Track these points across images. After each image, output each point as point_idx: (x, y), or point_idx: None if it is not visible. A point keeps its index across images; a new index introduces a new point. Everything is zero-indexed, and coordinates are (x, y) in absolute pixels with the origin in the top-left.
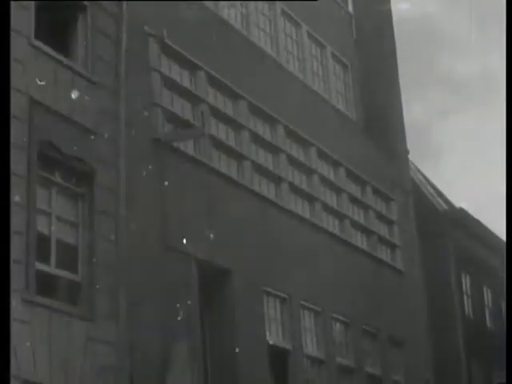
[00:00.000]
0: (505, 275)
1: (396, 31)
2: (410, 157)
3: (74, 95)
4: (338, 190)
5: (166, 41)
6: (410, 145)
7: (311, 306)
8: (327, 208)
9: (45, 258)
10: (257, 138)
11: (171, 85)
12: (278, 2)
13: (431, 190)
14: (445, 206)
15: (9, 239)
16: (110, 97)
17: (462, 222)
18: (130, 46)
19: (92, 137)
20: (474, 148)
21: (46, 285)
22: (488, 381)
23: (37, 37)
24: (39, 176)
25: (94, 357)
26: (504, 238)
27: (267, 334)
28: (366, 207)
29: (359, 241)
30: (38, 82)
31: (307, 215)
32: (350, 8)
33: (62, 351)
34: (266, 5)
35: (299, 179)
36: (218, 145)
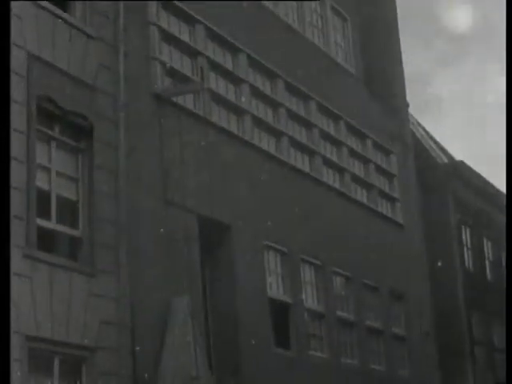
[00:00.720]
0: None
1: None
2: (411, 110)
3: (73, 50)
4: (338, 144)
5: None
6: (410, 98)
7: (311, 260)
8: (327, 162)
9: (45, 214)
10: (256, 92)
11: (170, 39)
12: None
13: (431, 144)
14: (445, 159)
15: (9, 195)
16: (109, 51)
17: (462, 174)
18: None
19: (91, 92)
20: (474, 101)
21: (46, 240)
22: (488, 332)
23: None
24: (38, 131)
25: (96, 311)
26: (504, 189)
27: (268, 288)
28: (366, 161)
29: (359, 194)
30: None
31: (307, 169)
32: None
33: (63, 306)
34: None
35: (299, 133)
36: (218, 99)
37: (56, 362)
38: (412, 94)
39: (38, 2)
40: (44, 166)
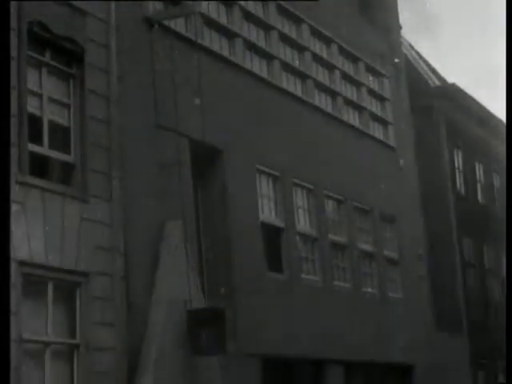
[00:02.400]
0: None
1: None
2: (407, 30)
3: None
4: (330, 67)
5: None
6: (406, 17)
7: (303, 184)
8: (319, 85)
9: (37, 139)
10: (248, 16)
11: None
12: None
13: (424, 66)
14: (437, 82)
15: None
16: None
17: (455, 97)
18: None
19: (82, 16)
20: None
21: (39, 166)
22: (479, 254)
23: None
24: (29, 57)
25: (89, 237)
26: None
27: (260, 211)
28: (358, 84)
29: (352, 118)
30: None
31: (299, 93)
32: None
33: (57, 232)
34: None
35: (291, 56)
36: (210, 23)
37: (50, 288)
38: (410, 12)
39: None
40: (35, 92)
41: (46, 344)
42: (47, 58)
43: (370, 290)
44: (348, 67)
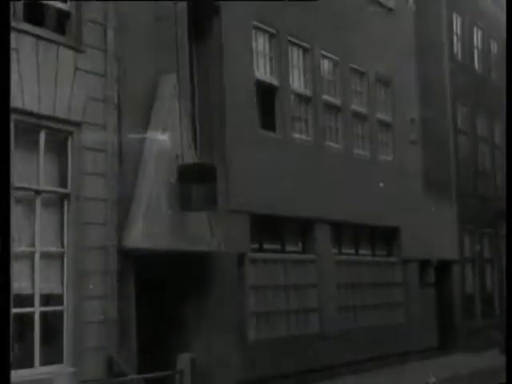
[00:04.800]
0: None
1: None
2: None
3: None
4: None
5: None
6: None
7: (300, 43)
8: None
9: None
10: None
11: None
12: None
13: None
14: None
15: None
16: None
17: None
18: None
19: None
20: None
21: (33, 13)
22: (473, 121)
23: None
24: None
25: (82, 87)
26: None
27: (255, 69)
28: None
29: None
30: None
31: None
32: None
33: (50, 80)
34: None
35: None
36: None
37: (42, 137)
38: None
39: None
40: None
41: (37, 192)
42: None
43: (361, 151)
44: None
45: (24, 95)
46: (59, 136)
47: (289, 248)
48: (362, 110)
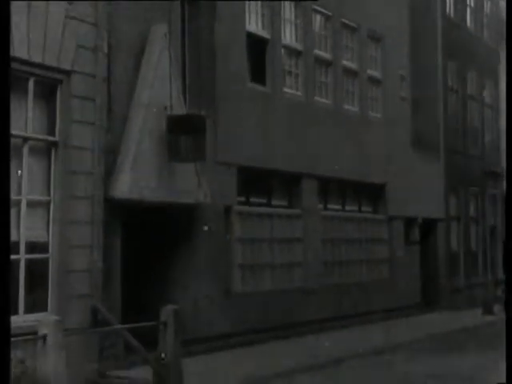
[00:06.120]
0: None
1: None
2: None
3: None
4: None
5: None
6: None
7: None
8: None
9: None
10: None
11: None
12: None
13: None
14: None
15: None
16: None
17: None
18: None
19: None
20: None
21: None
22: (463, 79)
23: None
24: None
25: (72, 36)
26: None
27: (246, 22)
28: None
29: None
30: None
31: None
32: None
33: (40, 28)
34: None
35: None
36: None
37: (31, 84)
38: None
39: None
40: None
41: (25, 139)
42: None
43: (351, 107)
44: None
45: (14, 43)
46: (48, 84)
47: (275, 202)
48: (352, 65)
